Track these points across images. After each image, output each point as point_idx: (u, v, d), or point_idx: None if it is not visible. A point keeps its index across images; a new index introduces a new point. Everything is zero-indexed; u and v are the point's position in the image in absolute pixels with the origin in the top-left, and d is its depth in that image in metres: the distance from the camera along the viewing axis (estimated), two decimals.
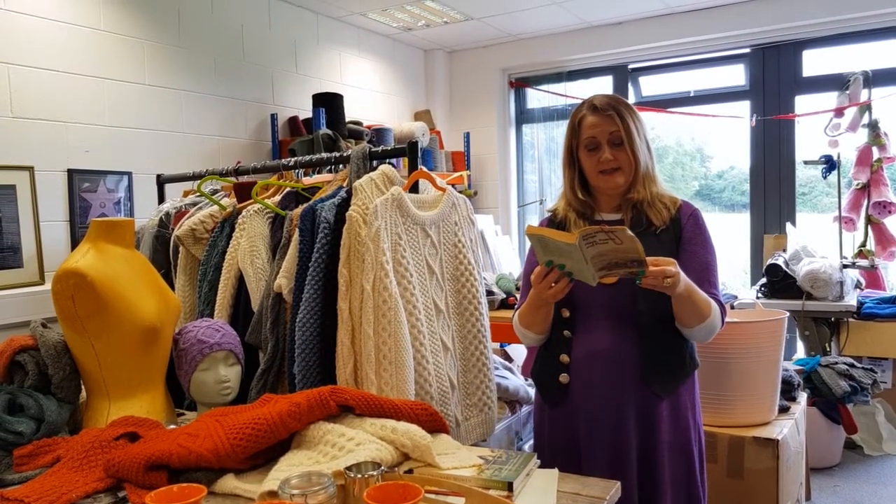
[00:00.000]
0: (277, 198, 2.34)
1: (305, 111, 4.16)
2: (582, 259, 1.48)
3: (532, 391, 2.40)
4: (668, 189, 1.80)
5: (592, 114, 1.75)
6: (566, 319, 1.76)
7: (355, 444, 1.34)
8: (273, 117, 4.00)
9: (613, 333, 1.70)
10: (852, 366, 3.47)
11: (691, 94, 4.90)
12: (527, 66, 5.29)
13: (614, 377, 1.70)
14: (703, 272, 1.70)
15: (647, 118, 5.20)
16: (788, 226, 4.41)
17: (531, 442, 2.24)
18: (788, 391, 2.65)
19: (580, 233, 1.45)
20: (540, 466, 1.42)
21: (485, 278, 2.12)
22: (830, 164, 4.09)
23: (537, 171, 5.44)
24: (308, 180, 2.45)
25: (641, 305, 1.68)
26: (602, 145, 1.73)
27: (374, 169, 2.06)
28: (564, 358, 1.75)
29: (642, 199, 1.75)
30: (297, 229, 2.02)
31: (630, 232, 1.45)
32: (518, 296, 1.92)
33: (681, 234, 1.74)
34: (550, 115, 5.31)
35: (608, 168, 1.73)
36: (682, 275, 1.58)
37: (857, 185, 4.14)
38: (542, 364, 1.83)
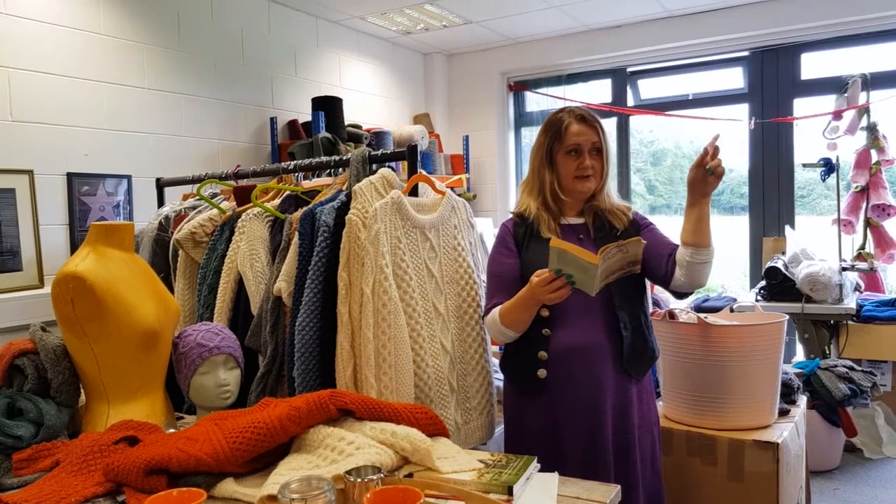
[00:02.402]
0: (277, 201, 2.34)
1: (305, 115, 4.16)
2: (594, 274, 1.64)
3: None
4: (620, 199, 2.02)
5: (579, 122, 1.91)
6: (545, 318, 1.87)
7: (355, 447, 1.34)
8: (272, 121, 4.00)
9: (590, 329, 1.86)
10: (852, 368, 3.47)
11: (690, 97, 4.91)
12: (525, 70, 5.30)
13: (592, 368, 1.85)
14: (667, 239, 1.94)
15: (646, 121, 5.23)
16: (787, 228, 4.41)
17: None
18: (788, 394, 2.65)
19: (601, 253, 1.62)
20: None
21: (484, 281, 2.12)
22: (829, 166, 4.09)
23: None
24: (307, 184, 2.45)
25: (616, 301, 1.86)
26: (584, 152, 1.90)
27: (373, 172, 2.07)
28: (543, 354, 1.87)
29: (604, 208, 1.96)
30: (296, 233, 2.02)
31: (641, 240, 1.71)
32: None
33: (639, 231, 1.96)
34: None
35: (586, 174, 1.89)
36: None
37: (856, 187, 4.14)
38: (517, 360, 1.94)
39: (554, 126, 1.92)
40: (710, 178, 1.71)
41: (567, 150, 1.90)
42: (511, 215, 2.04)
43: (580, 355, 1.84)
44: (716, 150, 1.70)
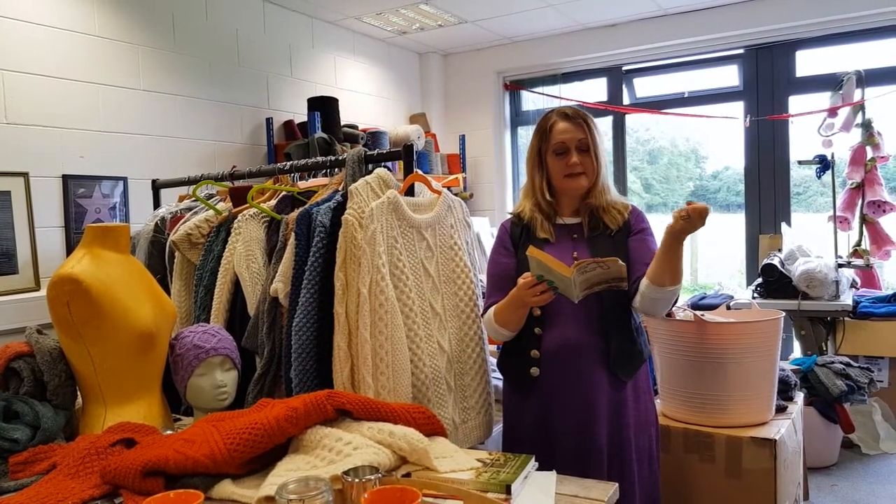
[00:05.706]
0: (273, 202, 2.34)
1: (301, 115, 4.16)
2: (572, 284, 1.67)
3: None
4: (619, 197, 1.99)
5: (563, 120, 1.91)
6: (537, 317, 1.88)
7: (353, 448, 1.34)
8: (268, 121, 3.99)
9: (580, 328, 1.86)
10: (849, 365, 3.48)
11: (685, 95, 4.91)
12: (521, 69, 5.30)
13: (583, 367, 1.85)
14: (649, 256, 1.84)
15: (642, 119, 5.24)
16: (783, 226, 4.42)
17: None
18: (785, 391, 2.65)
19: (575, 267, 1.63)
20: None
21: (481, 280, 2.12)
22: (824, 163, 4.10)
23: None
24: (304, 184, 2.45)
25: (606, 302, 1.85)
26: (570, 150, 1.89)
27: (369, 172, 2.06)
28: (535, 353, 1.89)
29: (598, 206, 1.93)
30: (293, 233, 2.02)
31: (620, 262, 1.65)
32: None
33: (630, 232, 1.93)
34: None
35: (575, 171, 1.89)
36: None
37: (852, 184, 4.15)
38: (511, 358, 1.96)
39: (541, 127, 1.95)
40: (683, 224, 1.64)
41: (554, 149, 1.90)
42: (510, 216, 2.06)
43: (570, 354, 1.85)
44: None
